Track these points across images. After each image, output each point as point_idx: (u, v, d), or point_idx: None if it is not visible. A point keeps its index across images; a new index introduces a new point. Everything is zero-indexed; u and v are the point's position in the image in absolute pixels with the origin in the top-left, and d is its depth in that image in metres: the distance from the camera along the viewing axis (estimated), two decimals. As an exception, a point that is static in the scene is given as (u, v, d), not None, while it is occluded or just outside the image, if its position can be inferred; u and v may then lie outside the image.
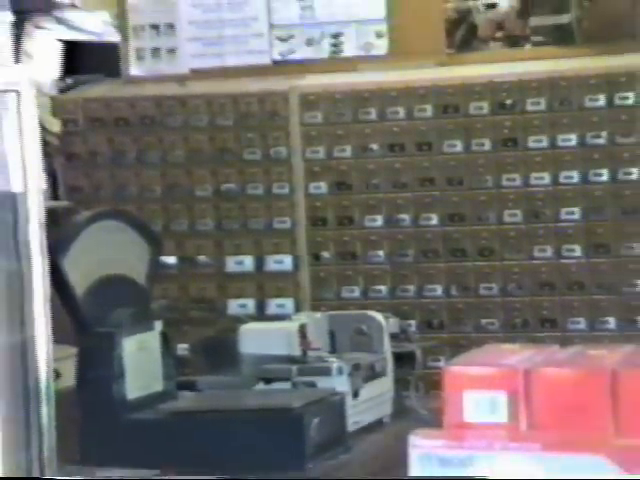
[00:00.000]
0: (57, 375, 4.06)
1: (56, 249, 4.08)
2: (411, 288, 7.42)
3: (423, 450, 2.21)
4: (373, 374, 4.75)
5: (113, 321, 4.27)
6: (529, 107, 7.22)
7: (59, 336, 4.14)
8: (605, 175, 7.12)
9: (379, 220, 7.44)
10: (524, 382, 2.29)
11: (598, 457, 2.09)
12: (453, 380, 2.33)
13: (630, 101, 7.02)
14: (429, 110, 7.36)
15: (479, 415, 2.28)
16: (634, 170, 7.07)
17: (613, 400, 2.25)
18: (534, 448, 2.16)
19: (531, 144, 7.22)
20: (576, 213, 7.17)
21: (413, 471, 2.20)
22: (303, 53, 7.65)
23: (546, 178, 7.21)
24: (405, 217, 7.41)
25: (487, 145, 7.29)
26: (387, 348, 4.86)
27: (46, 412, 3.09)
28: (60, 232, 4.30)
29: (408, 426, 2.33)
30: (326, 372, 4.55)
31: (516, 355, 2.43)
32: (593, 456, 2.10)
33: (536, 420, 2.27)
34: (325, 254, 7.52)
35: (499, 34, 7.50)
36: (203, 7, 7.72)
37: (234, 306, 7.56)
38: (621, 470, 2.07)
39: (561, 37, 7.40)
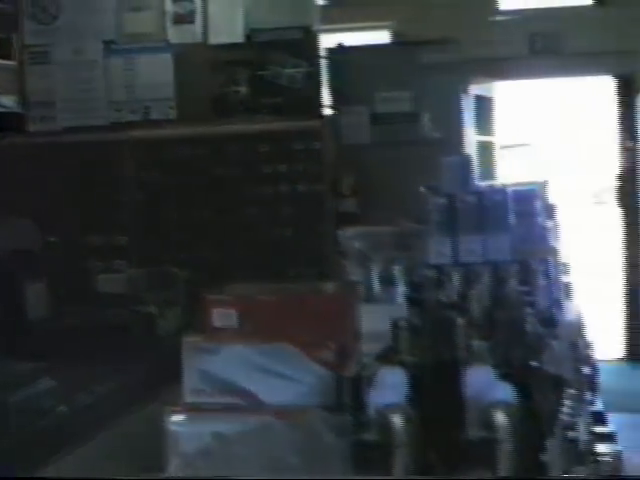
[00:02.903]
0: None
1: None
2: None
3: (192, 344, 2.20)
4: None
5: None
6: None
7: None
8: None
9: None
10: (247, 305, 2.29)
11: (286, 345, 2.10)
12: (209, 304, 2.32)
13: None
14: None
15: (222, 324, 2.27)
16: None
17: (296, 314, 2.27)
18: (253, 341, 2.16)
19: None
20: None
21: (185, 359, 2.18)
22: (129, 118, 7.64)
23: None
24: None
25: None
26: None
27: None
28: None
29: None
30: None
31: (246, 290, 2.43)
32: (284, 345, 2.11)
33: (254, 327, 2.27)
34: None
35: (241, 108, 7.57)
36: (72, 91, 7.67)
37: None
38: (299, 352, 2.09)
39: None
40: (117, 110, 7.56)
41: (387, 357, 2.02)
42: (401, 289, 2.73)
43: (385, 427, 1.51)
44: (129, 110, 7.52)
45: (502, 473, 1.48)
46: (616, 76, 8.43)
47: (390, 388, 1.71)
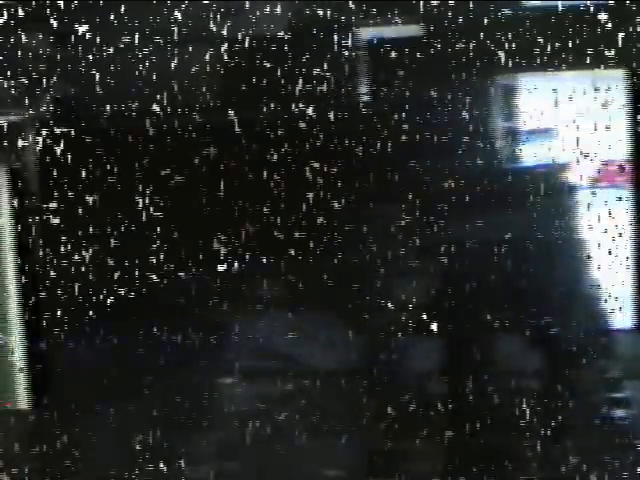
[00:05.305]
0: None
1: None
2: None
3: (237, 312, 2.16)
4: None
5: None
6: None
7: None
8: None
9: None
10: (287, 273, 2.24)
11: (325, 312, 2.05)
12: (251, 272, 2.26)
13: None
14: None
15: (265, 292, 2.22)
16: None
17: (333, 282, 2.21)
18: (294, 308, 2.11)
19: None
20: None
21: (230, 326, 2.14)
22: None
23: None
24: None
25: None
26: None
27: None
28: None
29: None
30: None
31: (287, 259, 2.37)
32: (323, 311, 2.06)
33: (294, 294, 2.22)
34: None
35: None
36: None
37: None
38: (337, 318, 2.04)
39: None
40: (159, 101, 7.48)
41: (421, 325, 1.99)
42: (431, 262, 2.69)
43: (419, 392, 1.48)
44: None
45: (528, 436, 1.45)
46: None
47: (423, 355, 1.69)
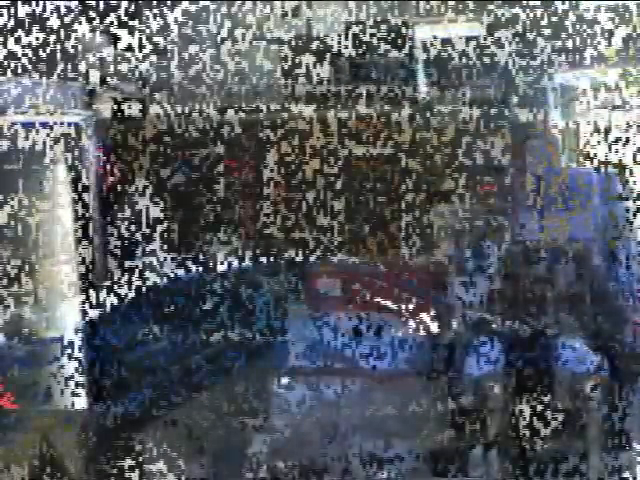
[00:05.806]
0: None
1: None
2: None
3: (297, 311, 2.15)
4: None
5: None
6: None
7: None
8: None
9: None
10: (349, 274, 2.24)
11: (384, 314, 2.04)
12: (314, 273, 2.25)
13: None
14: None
15: (326, 292, 2.21)
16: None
17: (394, 285, 2.20)
18: (354, 310, 2.10)
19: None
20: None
21: (290, 325, 2.14)
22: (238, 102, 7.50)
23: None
24: None
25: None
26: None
27: None
28: None
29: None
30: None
31: (348, 261, 2.36)
32: (382, 313, 2.05)
33: (355, 295, 2.21)
34: None
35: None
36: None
37: None
38: (396, 320, 2.03)
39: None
40: (228, 95, 7.45)
41: (480, 327, 1.97)
42: (492, 263, 2.67)
43: (480, 394, 1.47)
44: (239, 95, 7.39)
45: (591, 440, 1.43)
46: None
47: (484, 356, 1.67)
